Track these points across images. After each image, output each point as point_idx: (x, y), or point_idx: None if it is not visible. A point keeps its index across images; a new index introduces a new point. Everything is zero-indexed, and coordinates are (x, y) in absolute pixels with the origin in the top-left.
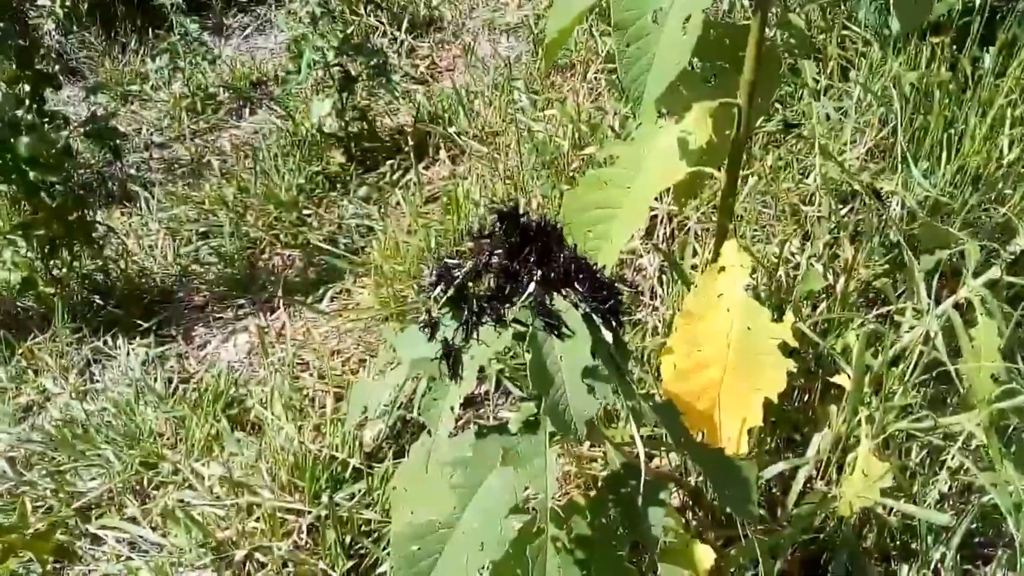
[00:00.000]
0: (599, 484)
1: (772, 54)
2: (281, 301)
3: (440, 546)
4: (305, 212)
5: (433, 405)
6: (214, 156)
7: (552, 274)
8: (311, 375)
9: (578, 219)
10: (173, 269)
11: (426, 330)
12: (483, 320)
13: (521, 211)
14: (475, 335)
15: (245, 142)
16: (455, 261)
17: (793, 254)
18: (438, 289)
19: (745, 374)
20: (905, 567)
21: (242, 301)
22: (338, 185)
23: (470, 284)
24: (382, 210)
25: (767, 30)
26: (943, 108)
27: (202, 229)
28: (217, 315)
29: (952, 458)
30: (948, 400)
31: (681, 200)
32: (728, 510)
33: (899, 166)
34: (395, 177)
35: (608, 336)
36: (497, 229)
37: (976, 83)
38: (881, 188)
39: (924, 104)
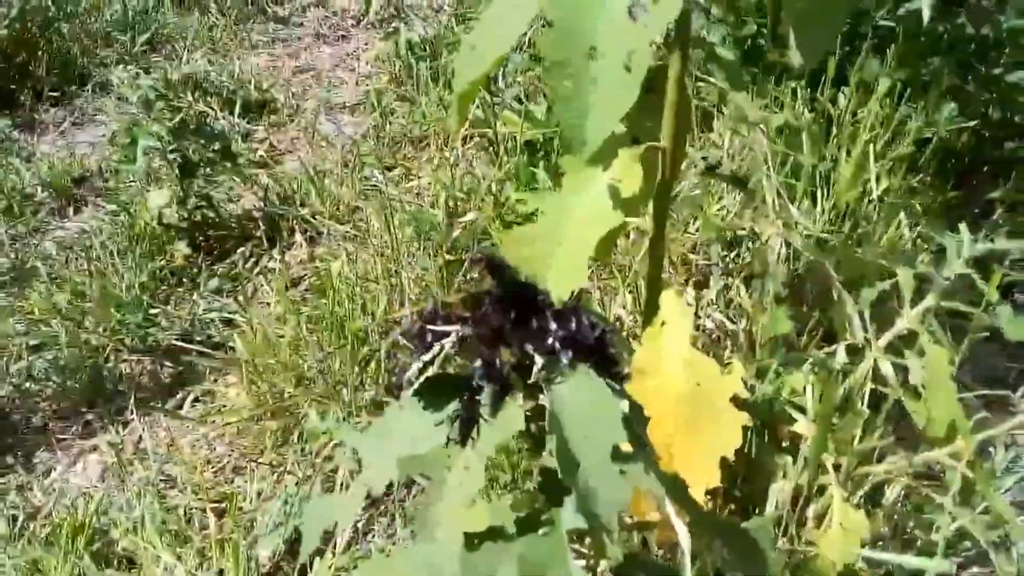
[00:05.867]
0: None
1: (687, 95)
2: (134, 412)
3: None
4: (152, 312)
5: (424, 511)
6: (39, 261)
7: (571, 339)
8: (182, 492)
9: None
10: (4, 390)
11: (426, 410)
12: (509, 392)
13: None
14: (495, 414)
15: (73, 243)
16: (437, 328)
17: (688, 304)
18: (420, 361)
19: (698, 431)
20: None
21: (89, 417)
22: (185, 279)
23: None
24: (240, 300)
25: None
26: (812, 149)
27: (33, 342)
28: (60, 436)
29: (927, 500)
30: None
31: (601, 256)
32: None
33: (776, 209)
34: (248, 265)
35: (624, 405)
36: (488, 283)
37: (839, 123)
38: (762, 231)
39: (794, 144)
